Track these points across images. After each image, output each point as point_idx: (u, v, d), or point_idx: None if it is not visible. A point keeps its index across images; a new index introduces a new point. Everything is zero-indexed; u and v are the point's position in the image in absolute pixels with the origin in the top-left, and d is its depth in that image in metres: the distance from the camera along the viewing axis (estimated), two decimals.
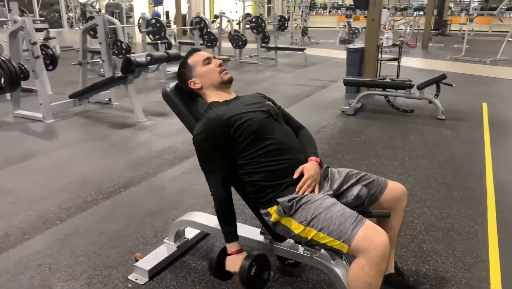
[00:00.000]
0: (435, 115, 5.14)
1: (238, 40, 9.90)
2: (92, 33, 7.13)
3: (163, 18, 17.38)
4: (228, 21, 11.08)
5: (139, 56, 4.63)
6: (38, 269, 2.15)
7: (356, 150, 4.00)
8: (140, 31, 8.76)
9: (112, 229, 2.55)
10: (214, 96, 1.84)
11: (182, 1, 17.97)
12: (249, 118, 1.69)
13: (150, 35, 8.17)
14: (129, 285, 2.03)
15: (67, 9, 19.36)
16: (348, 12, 16.13)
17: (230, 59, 7.93)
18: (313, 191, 1.66)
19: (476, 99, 6.13)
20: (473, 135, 4.44)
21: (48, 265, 2.19)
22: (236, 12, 18.36)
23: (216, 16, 13.24)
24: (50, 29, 9.34)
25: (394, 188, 1.80)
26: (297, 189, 1.65)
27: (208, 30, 9.13)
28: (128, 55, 4.66)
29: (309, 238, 1.57)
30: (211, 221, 2.13)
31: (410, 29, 13.87)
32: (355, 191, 1.70)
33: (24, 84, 5.95)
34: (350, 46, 6.80)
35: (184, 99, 1.93)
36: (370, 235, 1.44)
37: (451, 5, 22.37)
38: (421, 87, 5.21)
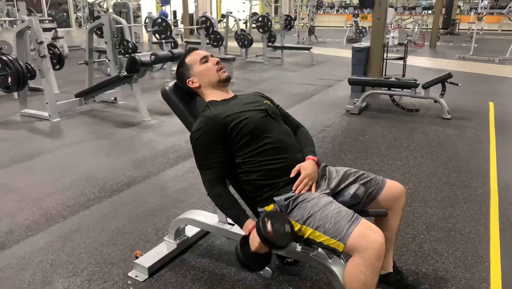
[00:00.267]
0: (441, 115, 5.11)
1: (244, 40, 9.91)
2: (98, 32, 7.18)
3: (170, 17, 17.47)
4: (235, 20, 11.09)
5: (143, 55, 4.66)
6: (40, 265, 2.18)
7: (359, 149, 3.99)
8: (147, 31, 8.81)
9: (113, 227, 2.57)
10: (212, 95, 1.85)
11: (189, 0, 18.01)
12: (247, 117, 1.70)
13: (156, 34, 8.21)
14: (129, 282, 2.05)
15: (75, 9, 19.50)
16: (356, 11, 16.04)
17: (235, 59, 7.93)
18: (310, 189, 1.66)
19: (483, 98, 6.08)
20: (479, 135, 4.40)
21: (50, 261, 2.22)
22: (244, 11, 18.36)
23: (223, 16, 13.27)
24: (58, 29, 9.45)
25: (392, 187, 1.80)
26: (293, 188, 1.65)
27: (214, 29, 9.15)
28: (133, 55, 4.69)
29: (305, 237, 1.58)
30: (211, 219, 2.14)
31: (418, 28, 13.77)
32: (352, 189, 1.70)
33: (31, 84, 6.03)
34: (356, 45, 6.77)
35: (183, 98, 1.94)
36: (365, 234, 1.44)
37: (460, 4, 22.19)
38: (426, 86, 5.18)
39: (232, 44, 10.84)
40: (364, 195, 1.70)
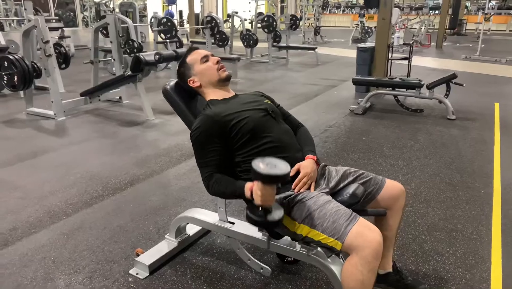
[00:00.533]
0: (445, 116, 5.09)
1: (249, 40, 9.93)
2: (104, 32, 7.23)
3: (176, 17, 17.52)
4: (241, 20, 11.11)
5: (148, 55, 4.69)
6: (43, 262, 2.20)
7: (362, 149, 3.98)
8: (152, 30, 8.85)
9: (116, 225, 2.59)
10: (212, 94, 1.86)
11: (195, 0, 18.06)
12: (246, 116, 1.71)
13: (162, 34, 8.24)
14: (130, 279, 2.06)
15: (82, 9, 19.65)
16: (362, 11, 16.00)
17: (240, 59, 7.94)
18: (309, 188, 1.67)
19: (489, 99, 6.04)
20: (483, 136, 4.37)
21: (52, 258, 2.24)
22: (250, 11, 18.38)
23: (229, 16, 13.30)
24: (65, 28, 9.52)
25: (391, 187, 1.80)
26: (292, 186, 1.66)
27: (219, 29, 9.17)
28: (137, 54, 4.71)
29: (304, 235, 1.59)
30: (212, 217, 2.15)
31: (424, 28, 13.71)
32: (351, 189, 1.71)
33: (37, 82, 6.10)
34: (360, 45, 6.75)
35: (184, 97, 1.95)
36: (363, 233, 1.45)
37: (468, 4, 22.05)
38: (430, 86, 5.15)
39: (238, 44, 10.85)
40: (363, 195, 1.70)
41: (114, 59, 5.69)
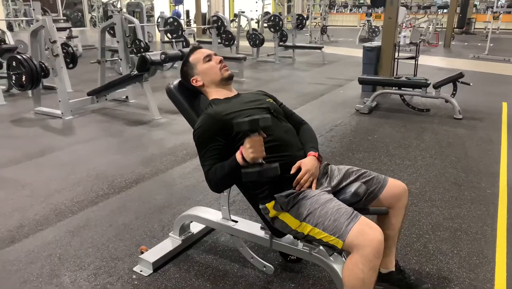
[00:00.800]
0: (452, 115, 5.06)
1: (255, 39, 9.93)
2: (111, 32, 7.28)
3: (183, 17, 17.59)
4: (247, 20, 11.12)
5: (154, 54, 4.71)
6: (48, 259, 2.23)
7: (367, 149, 3.97)
8: (159, 30, 8.90)
9: (121, 223, 2.62)
10: (215, 93, 1.87)
11: (202, 0, 18.11)
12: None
13: (168, 33, 8.28)
14: (134, 277, 2.09)
15: (90, 9, 19.79)
16: (369, 11, 15.93)
17: (246, 58, 7.95)
18: (310, 185, 1.67)
19: (497, 98, 5.99)
20: (490, 136, 4.34)
21: (58, 255, 2.27)
22: (256, 11, 18.38)
23: (235, 15, 13.32)
24: (73, 28, 9.61)
25: (394, 186, 1.80)
26: (294, 184, 1.66)
27: (226, 29, 9.19)
28: (143, 54, 4.74)
29: (305, 234, 1.59)
30: (215, 216, 2.17)
31: (432, 27, 13.61)
32: (353, 187, 1.71)
33: (45, 82, 6.16)
34: (367, 44, 6.73)
35: (187, 96, 1.97)
36: (364, 231, 1.45)
37: (476, 2, 21.85)
38: (437, 86, 5.12)
39: (244, 43, 10.86)
40: (365, 193, 1.70)
41: (121, 59, 5.73)
